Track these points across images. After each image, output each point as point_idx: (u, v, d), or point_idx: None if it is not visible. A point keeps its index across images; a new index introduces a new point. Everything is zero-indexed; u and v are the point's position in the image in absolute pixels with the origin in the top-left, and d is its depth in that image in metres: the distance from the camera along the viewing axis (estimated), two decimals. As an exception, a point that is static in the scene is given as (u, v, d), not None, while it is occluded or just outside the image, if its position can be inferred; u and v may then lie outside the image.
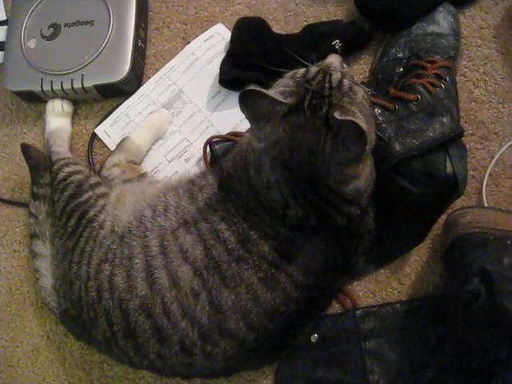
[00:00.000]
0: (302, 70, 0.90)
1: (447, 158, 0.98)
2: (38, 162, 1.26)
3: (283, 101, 0.84)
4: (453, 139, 0.99)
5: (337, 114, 0.80)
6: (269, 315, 0.91)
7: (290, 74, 0.91)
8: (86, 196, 1.10)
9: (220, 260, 0.90)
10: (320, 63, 0.92)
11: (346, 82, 0.87)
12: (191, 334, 0.91)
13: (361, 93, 0.87)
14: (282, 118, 0.84)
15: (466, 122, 1.17)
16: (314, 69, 0.89)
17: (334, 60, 0.91)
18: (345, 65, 0.94)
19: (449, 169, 0.97)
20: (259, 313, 0.90)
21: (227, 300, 0.90)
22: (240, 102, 0.84)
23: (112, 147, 1.30)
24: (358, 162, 0.84)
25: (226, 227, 0.92)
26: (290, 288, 0.91)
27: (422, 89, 1.03)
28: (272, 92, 0.85)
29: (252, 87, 0.82)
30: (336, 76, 0.87)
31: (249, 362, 1.01)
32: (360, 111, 0.84)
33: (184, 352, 0.93)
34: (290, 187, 0.86)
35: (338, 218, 0.89)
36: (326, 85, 0.85)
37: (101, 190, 1.13)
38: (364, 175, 0.88)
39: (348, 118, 0.79)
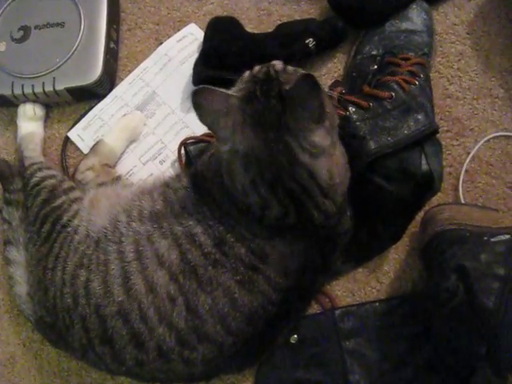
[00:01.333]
0: (247, 72, 0.91)
1: (422, 155, 0.98)
2: (1, 170, 1.24)
3: (235, 94, 0.85)
4: (428, 136, 0.99)
5: (287, 86, 0.82)
6: (247, 318, 0.90)
7: (239, 79, 0.91)
8: (59, 201, 1.08)
9: (196, 264, 0.89)
10: None
11: (290, 67, 0.89)
12: (168, 339, 0.90)
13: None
14: (239, 109, 0.84)
15: (441, 119, 1.17)
16: (257, 67, 0.91)
17: (276, 62, 0.92)
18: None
19: (424, 166, 0.98)
20: (237, 316, 0.89)
21: (204, 304, 0.89)
22: (193, 103, 0.84)
23: (85, 151, 1.28)
24: (321, 121, 0.83)
25: (201, 231, 0.91)
26: (268, 290, 0.90)
27: (395, 86, 1.03)
28: (226, 91, 0.86)
29: (201, 86, 0.83)
30: (279, 65, 0.90)
31: (228, 365, 1.00)
32: None
33: (162, 357, 0.92)
34: (267, 181, 0.85)
35: (315, 213, 0.88)
36: (271, 71, 0.87)
37: (75, 194, 1.11)
38: (336, 158, 0.88)
39: (294, 80, 0.81)
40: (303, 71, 0.89)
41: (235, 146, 0.85)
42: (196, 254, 0.90)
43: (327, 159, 0.86)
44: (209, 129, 0.89)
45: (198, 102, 0.84)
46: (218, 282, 0.89)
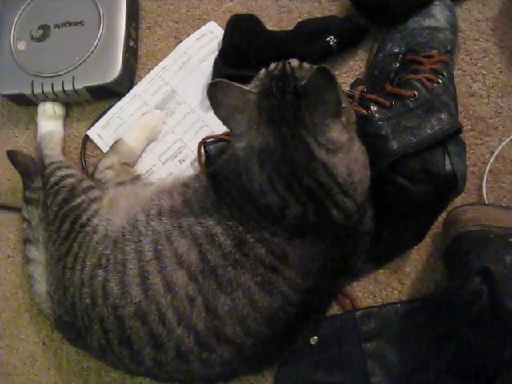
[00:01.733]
0: (263, 70, 0.91)
1: (446, 155, 0.96)
2: (27, 166, 1.25)
3: (251, 90, 0.85)
4: (451, 135, 0.98)
5: (302, 82, 0.82)
6: (267, 320, 0.89)
7: (254, 77, 0.91)
8: (78, 200, 1.08)
9: (216, 264, 0.89)
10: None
11: (306, 63, 0.89)
12: (187, 340, 0.90)
13: None
14: (255, 104, 0.84)
15: (464, 118, 1.16)
16: (273, 64, 0.91)
17: (292, 60, 0.92)
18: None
19: (448, 166, 0.96)
20: (257, 318, 0.89)
21: (223, 305, 0.88)
22: (209, 97, 0.84)
23: (105, 149, 1.28)
24: (338, 116, 0.83)
25: (221, 231, 0.90)
26: (288, 292, 0.89)
27: (418, 85, 1.01)
28: (242, 86, 0.86)
29: (217, 79, 0.83)
30: (295, 62, 0.90)
31: (247, 367, 0.99)
32: None
33: (180, 358, 0.92)
34: (284, 178, 0.84)
35: (335, 212, 0.87)
36: (287, 67, 0.87)
37: (94, 193, 1.11)
38: (354, 154, 0.87)
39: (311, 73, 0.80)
40: None
41: (251, 142, 0.85)
42: (216, 254, 0.89)
43: (345, 155, 0.85)
44: (223, 123, 0.88)
45: (214, 95, 0.84)
46: (237, 283, 0.88)
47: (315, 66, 0.85)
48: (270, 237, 0.88)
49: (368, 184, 0.91)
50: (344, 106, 0.83)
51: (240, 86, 0.84)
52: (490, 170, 1.13)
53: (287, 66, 0.88)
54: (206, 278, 0.89)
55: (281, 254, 0.88)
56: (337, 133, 0.83)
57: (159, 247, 0.93)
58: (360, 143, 0.91)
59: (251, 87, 0.87)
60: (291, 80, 0.84)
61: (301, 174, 0.84)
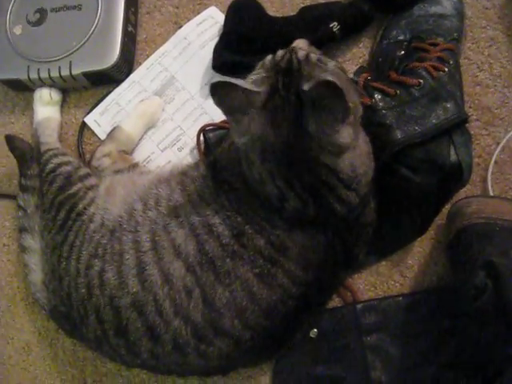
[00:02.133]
0: (269, 57, 0.88)
1: (451, 146, 0.95)
2: (24, 152, 1.23)
3: (256, 89, 0.81)
4: (457, 125, 0.96)
5: (305, 86, 0.77)
6: (265, 313, 0.88)
7: (260, 63, 0.88)
8: (75, 188, 1.07)
9: (214, 255, 0.87)
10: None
11: (313, 55, 0.85)
12: (184, 332, 0.89)
13: (332, 63, 0.85)
14: (260, 104, 0.81)
15: (470, 107, 1.14)
16: (280, 52, 0.87)
17: (299, 42, 0.91)
18: (312, 46, 0.93)
19: (453, 157, 0.95)
20: (255, 310, 0.87)
21: (221, 297, 0.87)
22: (212, 96, 0.80)
23: (102, 136, 1.27)
24: (345, 123, 0.79)
25: (219, 221, 0.89)
26: (288, 284, 0.88)
27: (424, 73, 0.99)
28: (244, 82, 0.82)
29: (221, 78, 0.79)
30: (302, 52, 0.85)
31: (245, 359, 0.98)
32: (333, 76, 0.78)
33: (177, 351, 0.91)
34: (284, 176, 0.83)
35: (338, 206, 0.86)
36: (294, 60, 0.83)
37: (90, 181, 1.09)
38: (358, 149, 0.85)
39: (313, 82, 0.76)
40: (328, 60, 0.85)
41: (253, 138, 0.83)
42: (214, 245, 0.88)
43: (350, 153, 0.83)
44: (228, 120, 0.86)
45: (217, 97, 0.81)
46: (236, 275, 0.87)
47: (326, 61, 0.84)
48: (270, 228, 0.87)
49: (372, 175, 0.90)
50: (351, 105, 0.79)
51: (243, 85, 0.80)
52: (495, 162, 1.11)
53: (294, 57, 0.84)
54: (203, 270, 0.87)
55: (280, 246, 0.87)
56: (343, 137, 0.80)
57: (156, 238, 0.91)
58: (364, 134, 0.89)
59: (256, 80, 0.83)
60: (296, 77, 0.81)
61: (303, 175, 0.82)
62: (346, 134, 0.80)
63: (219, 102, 0.81)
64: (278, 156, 0.82)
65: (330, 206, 0.85)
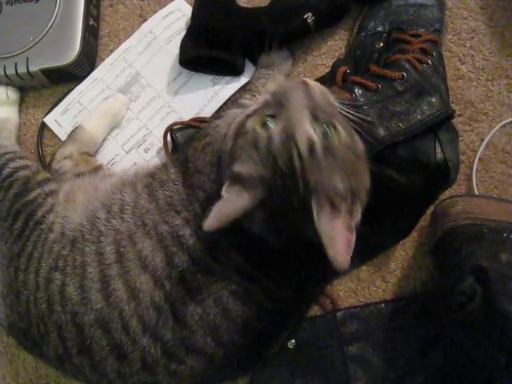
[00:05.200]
0: (263, 136, 0.74)
1: (437, 143, 0.93)
2: None
3: (250, 197, 0.72)
4: (443, 121, 0.94)
5: (314, 205, 0.70)
6: (240, 329, 0.85)
7: (250, 138, 0.75)
8: (33, 194, 1.02)
9: (184, 270, 0.83)
10: (281, 117, 0.75)
11: (317, 145, 0.71)
12: (154, 350, 0.85)
13: (343, 130, 0.74)
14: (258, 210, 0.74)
15: (452, 102, 1.12)
16: (276, 136, 0.73)
17: (296, 111, 0.75)
18: (317, 91, 0.77)
19: (439, 155, 0.93)
20: (229, 327, 0.85)
21: (193, 314, 0.83)
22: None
23: (63, 138, 1.22)
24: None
25: (190, 232, 0.84)
26: (265, 301, 0.85)
27: (407, 65, 0.96)
28: (237, 194, 0.72)
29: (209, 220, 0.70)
30: (303, 142, 0.71)
31: (219, 377, 0.95)
32: (347, 176, 0.72)
33: (146, 370, 0.87)
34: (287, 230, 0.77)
35: None
36: (295, 158, 0.71)
37: (50, 187, 1.04)
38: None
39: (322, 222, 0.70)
40: (336, 136, 0.74)
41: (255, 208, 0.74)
42: (183, 258, 0.84)
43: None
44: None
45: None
46: (208, 291, 0.84)
47: (334, 143, 0.73)
48: (249, 243, 0.82)
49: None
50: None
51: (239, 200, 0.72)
52: (480, 159, 1.10)
53: (294, 152, 0.71)
54: (173, 285, 0.84)
55: (259, 262, 0.83)
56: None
57: (121, 249, 0.87)
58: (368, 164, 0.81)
59: (249, 174, 0.72)
60: (300, 184, 0.71)
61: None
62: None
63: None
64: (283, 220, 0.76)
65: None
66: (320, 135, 0.72)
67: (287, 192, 0.72)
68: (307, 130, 0.72)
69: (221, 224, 0.69)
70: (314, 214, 0.69)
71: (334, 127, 0.73)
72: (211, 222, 0.69)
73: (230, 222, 0.69)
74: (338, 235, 0.69)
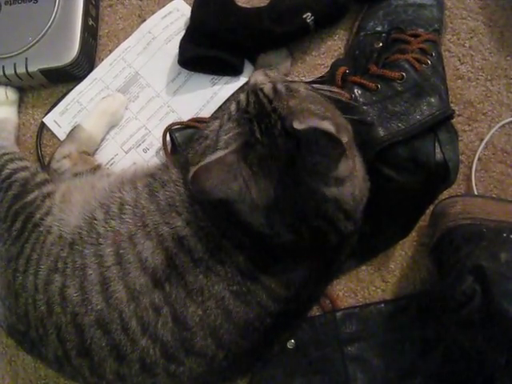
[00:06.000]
0: (233, 106, 0.82)
1: (436, 143, 0.93)
2: None
3: (229, 149, 0.76)
4: (442, 122, 0.94)
5: (296, 124, 0.73)
6: (241, 331, 0.85)
7: (225, 116, 0.82)
8: (31, 196, 1.01)
9: (185, 271, 0.83)
10: (246, 87, 0.86)
11: (279, 86, 0.80)
12: (152, 352, 0.85)
13: (301, 87, 0.81)
14: (242, 163, 0.76)
15: (451, 102, 1.10)
16: (242, 96, 0.82)
17: (256, 76, 0.84)
18: (270, 72, 0.86)
19: (438, 155, 0.93)
20: (230, 329, 0.84)
21: (193, 315, 0.83)
22: (194, 192, 0.78)
23: (63, 138, 1.21)
24: (345, 158, 0.75)
25: (191, 233, 0.84)
26: (267, 302, 0.84)
27: (406, 65, 0.97)
28: (218, 153, 0.76)
29: (194, 168, 0.74)
30: (267, 87, 0.80)
31: (219, 378, 0.94)
32: (314, 105, 0.77)
33: (145, 372, 0.87)
34: (289, 222, 0.79)
35: (332, 237, 0.82)
36: (264, 100, 0.78)
37: (48, 188, 1.04)
38: (356, 179, 0.81)
39: (306, 125, 0.72)
40: (296, 84, 0.82)
41: (254, 201, 0.77)
42: (184, 259, 0.84)
43: (352, 181, 0.80)
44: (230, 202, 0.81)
45: (200, 187, 0.75)
46: (210, 292, 0.83)
47: (292, 85, 0.80)
48: (250, 244, 0.83)
49: (367, 196, 0.86)
50: (345, 139, 0.74)
51: (216, 157, 0.75)
52: (479, 159, 1.10)
53: (261, 96, 0.79)
54: (173, 286, 0.83)
55: (261, 263, 0.83)
56: (343, 169, 0.76)
57: (121, 251, 0.87)
58: (358, 154, 0.85)
59: (228, 141, 0.78)
60: (276, 119, 0.76)
61: (310, 217, 0.79)
62: (344, 165, 0.76)
63: (203, 188, 0.75)
64: (284, 207, 0.78)
65: (326, 238, 0.82)
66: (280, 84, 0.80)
67: (267, 134, 0.76)
68: (265, 77, 0.83)
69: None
70: (295, 124, 0.73)
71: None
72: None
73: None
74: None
